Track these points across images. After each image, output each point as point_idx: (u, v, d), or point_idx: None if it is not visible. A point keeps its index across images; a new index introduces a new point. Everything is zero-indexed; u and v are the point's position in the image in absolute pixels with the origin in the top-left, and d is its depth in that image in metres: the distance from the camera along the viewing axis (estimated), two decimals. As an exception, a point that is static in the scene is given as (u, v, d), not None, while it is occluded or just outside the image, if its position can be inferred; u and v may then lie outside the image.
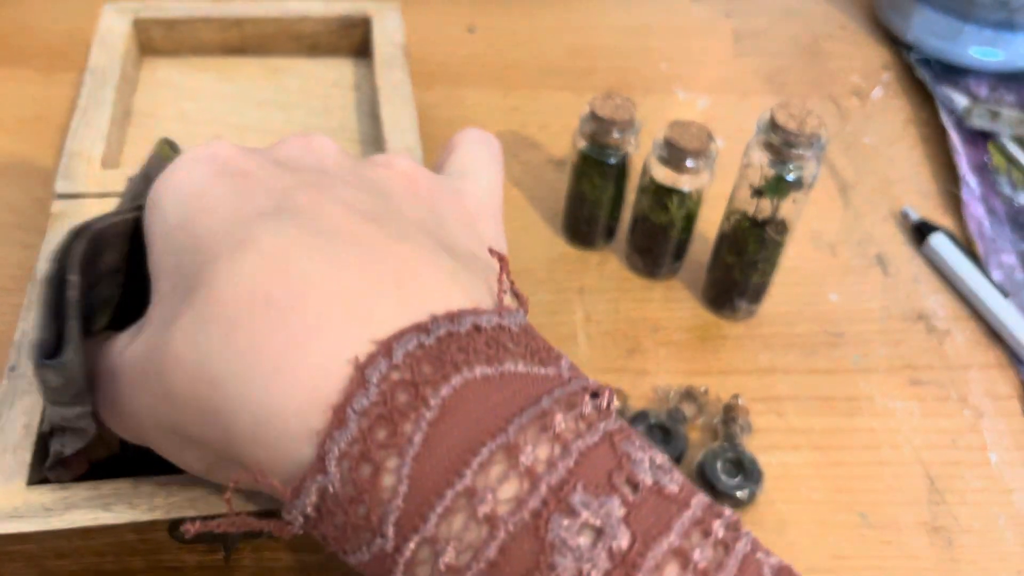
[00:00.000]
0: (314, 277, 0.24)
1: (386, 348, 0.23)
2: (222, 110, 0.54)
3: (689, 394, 0.44)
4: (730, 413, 0.43)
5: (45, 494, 0.30)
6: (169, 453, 0.28)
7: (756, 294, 0.49)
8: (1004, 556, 0.41)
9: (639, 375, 0.46)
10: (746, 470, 0.41)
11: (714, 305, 0.50)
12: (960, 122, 0.60)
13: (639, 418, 0.43)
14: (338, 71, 0.57)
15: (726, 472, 0.41)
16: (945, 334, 0.49)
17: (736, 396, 0.44)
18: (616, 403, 0.41)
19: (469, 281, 0.26)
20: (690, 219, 0.48)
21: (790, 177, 0.43)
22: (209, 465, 0.27)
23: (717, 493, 0.41)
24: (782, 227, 0.46)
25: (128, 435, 0.29)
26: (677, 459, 0.42)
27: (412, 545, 0.22)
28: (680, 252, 0.50)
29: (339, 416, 0.22)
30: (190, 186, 0.27)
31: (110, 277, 0.31)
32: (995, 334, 0.49)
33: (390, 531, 0.22)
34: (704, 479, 0.41)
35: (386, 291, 0.24)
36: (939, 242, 0.52)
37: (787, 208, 0.45)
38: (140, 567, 0.32)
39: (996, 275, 0.52)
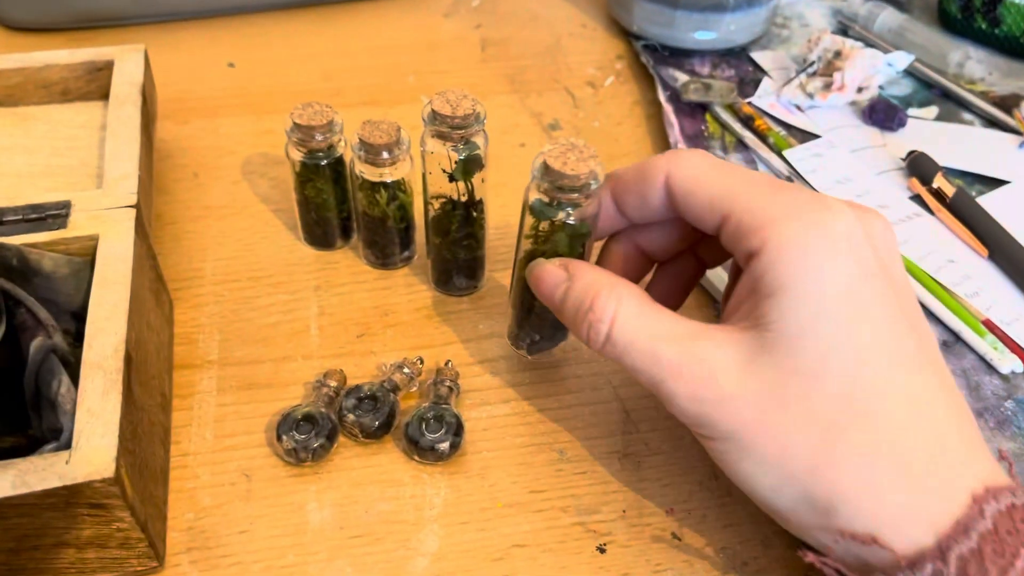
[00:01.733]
0: (954, 419, 0.34)
1: (993, 493, 0.32)
2: (-36, 160, 0.56)
3: (401, 366, 0.48)
4: (439, 376, 0.47)
5: None
6: (748, 479, 0.37)
7: (471, 270, 0.53)
8: (685, 470, 0.45)
9: (365, 356, 0.50)
10: (447, 424, 0.45)
11: (439, 285, 0.54)
12: (678, 97, 0.66)
13: (352, 392, 0.46)
14: (87, 114, 0.60)
15: (429, 429, 0.45)
16: (650, 285, 0.54)
17: (447, 361, 0.48)
18: (332, 383, 0.44)
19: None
20: (404, 209, 0.52)
21: (462, 157, 0.47)
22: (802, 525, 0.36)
23: (420, 447, 0.44)
24: (478, 205, 0.50)
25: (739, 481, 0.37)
26: (386, 424, 0.45)
27: None
28: (406, 241, 0.54)
29: (962, 527, 0.32)
30: (851, 281, 0.34)
31: None
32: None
33: None
34: (409, 438, 0.45)
35: (974, 439, 0.35)
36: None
37: (480, 187, 0.49)
38: None
39: (700, 228, 0.57)
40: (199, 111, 0.66)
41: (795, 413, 0.34)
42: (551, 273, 0.41)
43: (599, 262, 0.45)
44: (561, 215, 0.42)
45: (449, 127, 0.46)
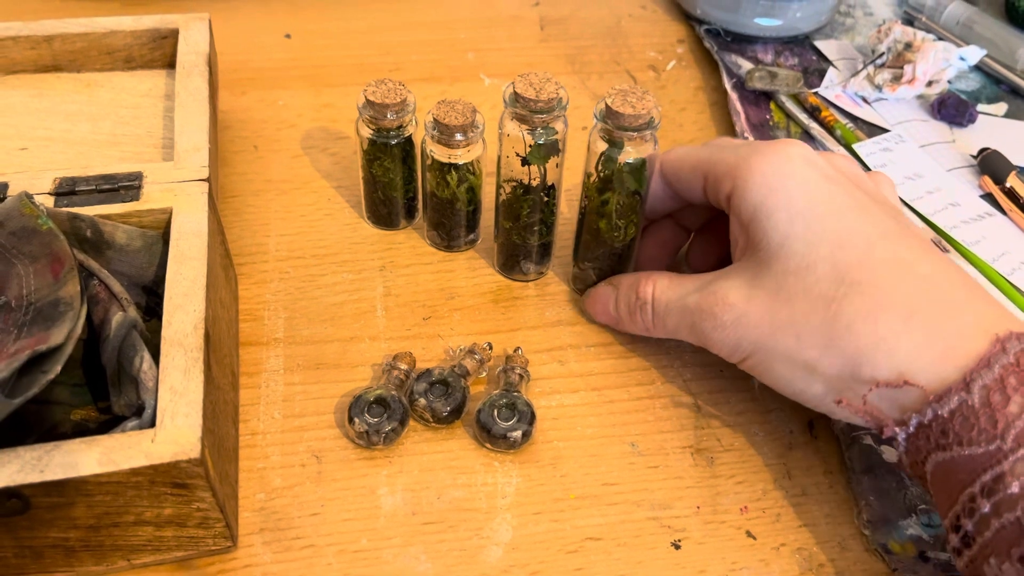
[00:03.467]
0: (947, 273, 0.38)
1: (1016, 336, 0.35)
2: (29, 124, 0.55)
3: (471, 351, 0.47)
4: (509, 363, 0.47)
5: None
6: (784, 380, 0.41)
7: (540, 256, 0.52)
8: (759, 468, 0.45)
9: (432, 339, 0.49)
10: (520, 412, 0.45)
11: (505, 270, 0.53)
12: (742, 85, 0.65)
13: (423, 376, 0.46)
14: (151, 82, 0.59)
15: (501, 417, 0.44)
16: (719, 277, 0.53)
17: (517, 348, 0.48)
18: (403, 366, 0.44)
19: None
20: (473, 191, 0.52)
21: (540, 141, 0.46)
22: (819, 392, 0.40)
23: (492, 435, 0.44)
24: (550, 191, 0.49)
25: (737, 355, 0.42)
26: (457, 409, 0.45)
27: (1022, 452, 0.33)
28: (472, 224, 0.54)
29: (985, 361, 0.35)
30: (812, 185, 0.40)
31: None
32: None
33: (1009, 436, 0.33)
34: (481, 425, 0.44)
35: (987, 298, 0.38)
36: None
37: (553, 172, 0.48)
38: None
39: (768, 220, 0.56)
40: (257, 82, 0.65)
41: (798, 305, 0.39)
42: (602, 292, 0.49)
43: (646, 236, 0.52)
44: (622, 156, 0.45)
45: (530, 111, 0.45)
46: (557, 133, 0.47)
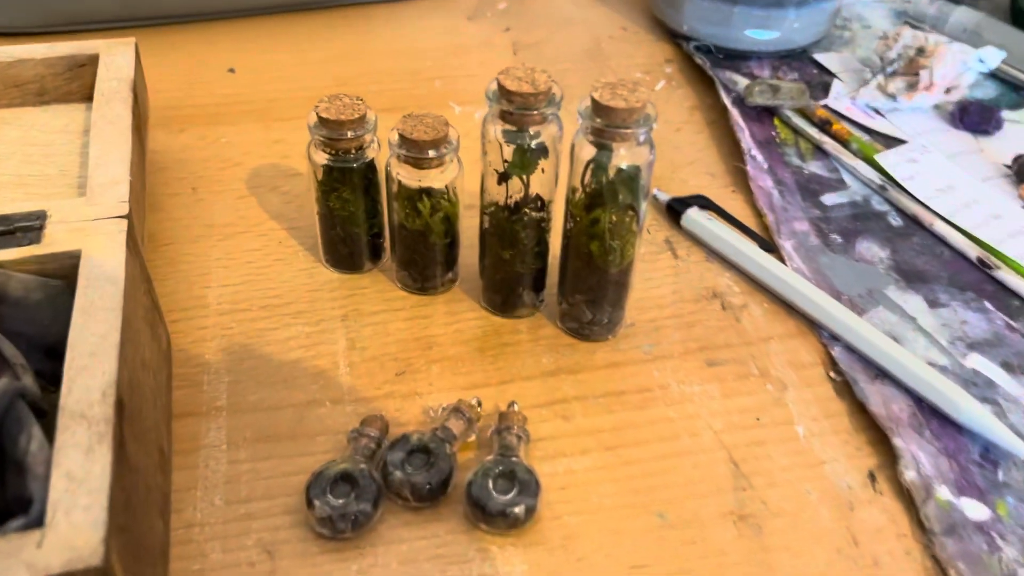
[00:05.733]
0: None
1: None
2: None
3: (457, 410, 0.39)
4: (504, 423, 0.38)
5: None
6: None
7: (539, 281, 0.44)
8: (819, 535, 0.36)
9: (408, 399, 0.41)
10: (521, 482, 0.36)
11: (497, 308, 0.45)
12: (742, 101, 0.58)
13: (399, 443, 0.37)
14: (67, 117, 0.51)
15: (498, 489, 0.36)
16: (741, 309, 0.46)
17: (512, 404, 0.39)
18: (372, 432, 0.35)
19: None
20: (450, 221, 0.44)
21: (534, 144, 0.39)
22: None
23: (489, 514, 0.35)
24: (540, 204, 0.41)
25: None
26: (443, 483, 0.36)
27: None
28: (450, 260, 0.46)
29: None
30: None
31: None
32: (789, 302, 0.46)
33: None
34: (473, 501, 0.35)
35: None
36: (695, 217, 0.49)
37: (540, 183, 0.41)
38: None
39: (788, 244, 0.49)
40: (197, 119, 0.57)
41: None
42: None
43: None
44: (615, 160, 0.38)
45: (520, 107, 0.38)
46: (543, 135, 0.39)
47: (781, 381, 0.42)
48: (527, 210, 0.41)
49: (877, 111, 0.59)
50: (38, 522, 0.28)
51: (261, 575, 0.34)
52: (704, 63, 0.62)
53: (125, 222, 0.38)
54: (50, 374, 0.36)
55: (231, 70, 0.62)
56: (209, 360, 0.42)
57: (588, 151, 0.38)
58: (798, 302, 0.45)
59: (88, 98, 0.51)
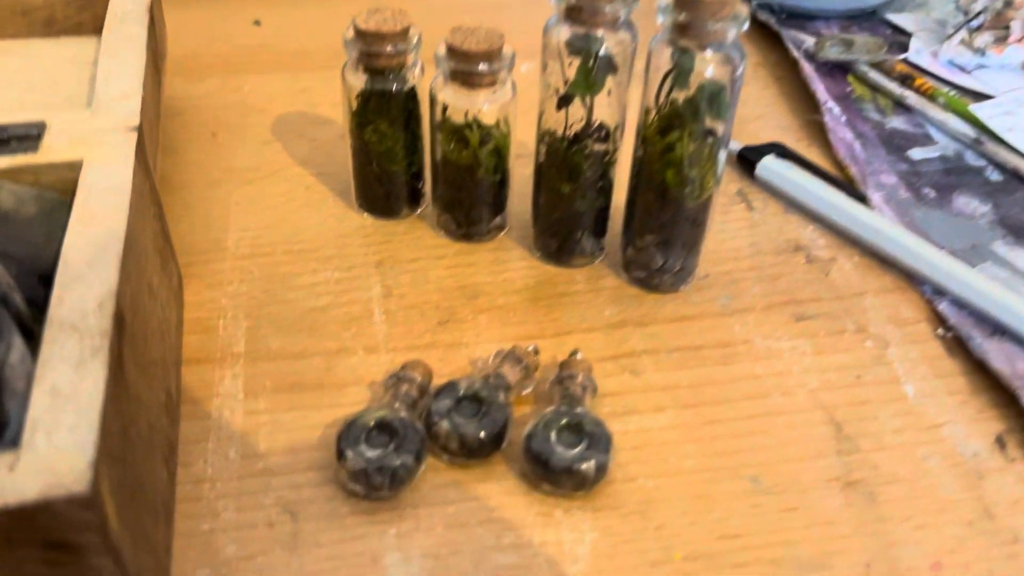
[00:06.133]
0: None
1: None
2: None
3: (513, 356, 0.33)
4: (566, 371, 0.33)
5: None
6: None
7: (600, 225, 0.39)
8: (943, 506, 0.30)
9: (453, 348, 0.36)
10: (589, 436, 0.30)
11: (552, 256, 0.39)
12: (812, 58, 0.53)
13: (445, 391, 0.32)
14: (77, 48, 0.46)
15: (564, 442, 0.30)
16: (829, 262, 0.40)
17: (575, 352, 0.34)
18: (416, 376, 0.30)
19: None
20: (501, 154, 0.39)
21: (602, 51, 0.34)
22: None
23: (553, 471, 0.30)
24: (604, 134, 0.36)
25: None
26: (497, 436, 0.31)
27: None
28: (499, 202, 0.40)
29: None
30: None
31: None
32: (886, 255, 0.40)
33: None
34: (534, 456, 0.30)
35: None
36: (772, 166, 0.44)
37: (606, 107, 0.35)
38: None
39: (876, 196, 0.43)
40: (218, 68, 0.53)
41: None
42: None
43: None
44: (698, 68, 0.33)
45: (591, 4, 0.33)
46: (613, 41, 0.34)
47: (881, 338, 0.37)
48: (589, 141, 0.36)
49: (962, 68, 0.53)
50: (13, 443, 0.22)
51: (281, 538, 0.29)
52: (769, 20, 0.57)
53: (135, 134, 0.33)
54: (43, 302, 0.31)
55: (256, 22, 0.58)
56: (225, 305, 0.37)
57: (666, 61, 0.33)
58: (899, 255, 0.39)
59: (100, 30, 0.47)
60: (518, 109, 0.38)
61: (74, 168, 0.32)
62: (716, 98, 0.34)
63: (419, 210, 0.43)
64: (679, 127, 0.34)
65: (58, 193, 0.32)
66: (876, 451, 0.32)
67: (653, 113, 0.35)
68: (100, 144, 0.32)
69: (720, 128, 0.35)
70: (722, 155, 0.35)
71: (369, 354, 0.35)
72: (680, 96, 0.34)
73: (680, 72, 0.33)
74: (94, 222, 0.29)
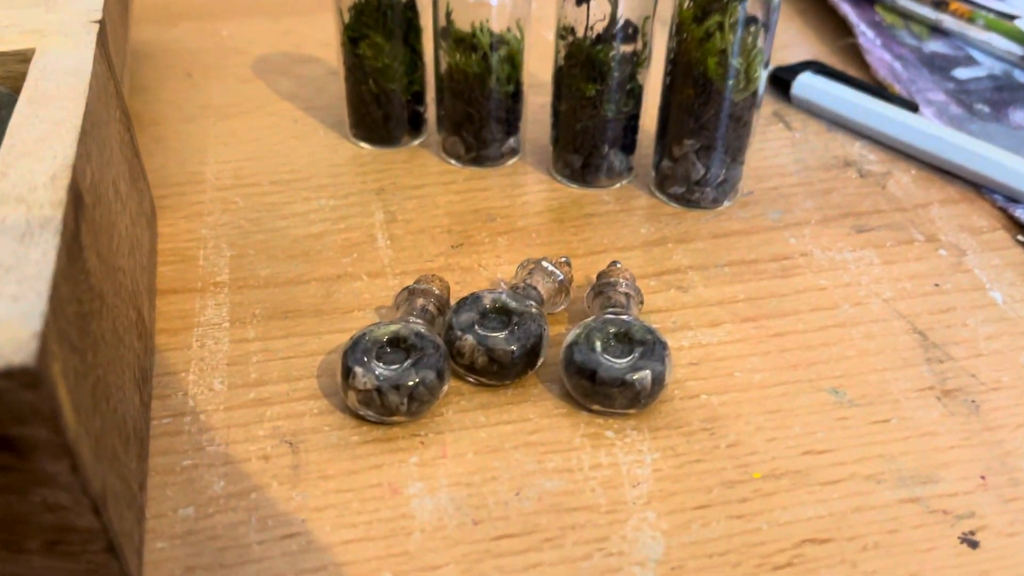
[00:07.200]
0: None
1: None
2: None
3: (542, 267, 0.29)
4: (603, 279, 0.28)
5: None
6: None
7: (630, 139, 0.34)
8: (1060, 411, 0.26)
9: (470, 271, 0.31)
10: (641, 343, 0.26)
11: (579, 176, 0.35)
12: (837, -14, 0.50)
13: (467, 303, 0.27)
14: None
15: (612, 352, 0.26)
16: (885, 176, 0.36)
17: (614, 262, 0.29)
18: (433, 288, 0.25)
19: None
20: (514, 64, 0.34)
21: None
22: None
23: (602, 384, 0.25)
24: (632, 31, 0.32)
25: None
26: (531, 351, 0.26)
27: None
28: (512, 119, 0.36)
29: None
30: None
31: None
32: (948, 165, 0.36)
33: None
34: (578, 368, 0.25)
35: None
36: (810, 83, 0.40)
37: (630, 3, 0.31)
38: None
39: (927, 112, 0.39)
40: (192, 14, 0.48)
41: None
42: None
43: None
44: None
45: None
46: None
47: (956, 247, 0.32)
48: (615, 42, 0.32)
49: (993, -3, 0.50)
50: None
51: (279, 472, 0.24)
52: (783, -45, 0.54)
53: (96, 27, 0.29)
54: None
55: (233, -25, 0.53)
56: (205, 235, 0.32)
57: None
58: (965, 162, 0.35)
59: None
60: (531, 14, 0.34)
61: (23, 58, 0.27)
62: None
63: (421, 138, 0.38)
64: (719, 11, 0.30)
65: (7, 88, 0.27)
66: (971, 358, 0.28)
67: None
68: (53, 33, 0.28)
69: (763, 13, 0.30)
70: (767, 43, 0.31)
71: (374, 279, 0.30)
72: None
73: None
74: (47, 102, 0.24)
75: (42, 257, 0.19)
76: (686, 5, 0.31)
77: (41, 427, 0.17)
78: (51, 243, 0.19)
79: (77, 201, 0.21)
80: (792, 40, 0.46)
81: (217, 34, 0.46)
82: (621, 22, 0.32)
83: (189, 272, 0.31)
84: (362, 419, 0.25)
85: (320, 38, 0.45)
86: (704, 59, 0.31)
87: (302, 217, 0.33)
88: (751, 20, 0.30)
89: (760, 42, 0.31)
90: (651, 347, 0.26)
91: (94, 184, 0.23)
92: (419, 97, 0.37)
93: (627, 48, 0.33)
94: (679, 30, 0.31)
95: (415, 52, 0.36)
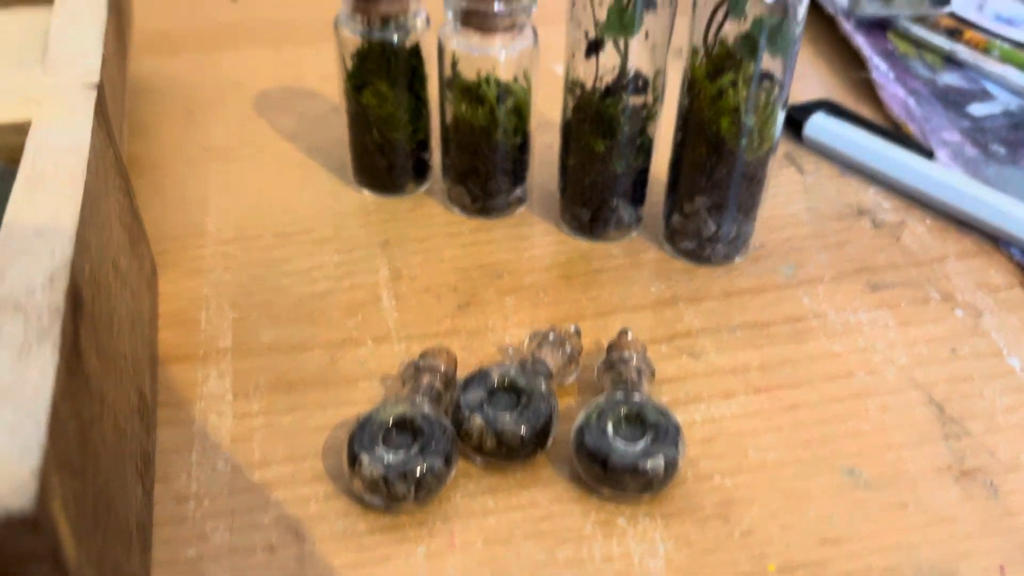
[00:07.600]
0: None
1: None
2: None
3: (552, 338, 0.28)
4: (614, 353, 0.28)
5: None
6: None
7: (638, 191, 0.34)
8: (1081, 494, 0.25)
9: (477, 335, 0.30)
10: (653, 427, 0.25)
11: (587, 228, 0.34)
12: (848, 15, 0.49)
13: (474, 381, 0.26)
14: (29, 19, 0.41)
15: (623, 435, 0.25)
16: (899, 226, 0.35)
17: (624, 331, 0.29)
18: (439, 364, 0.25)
19: None
20: (521, 114, 0.34)
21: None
22: None
23: (613, 470, 0.24)
24: (642, 84, 0.31)
25: None
26: (542, 432, 0.25)
27: None
28: (519, 170, 0.35)
29: None
30: None
31: None
32: (963, 215, 0.35)
33: None
34: (589, 453, 0.25)
35: None
36: (823, 124, 0.39)
37: (642, 52, 0.31)
38: None
39: (942, 154, 0.39)
40: (192, 44, 0.47)
41: None
42: None
43: None
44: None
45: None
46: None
47: (973, 306, 0.32)
48: (624, 93, 0.31)
49: (1008, 21, 0.49)
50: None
51: (285, 564, 0.23)
52: (794, -22, 0.53)
53: (94, 92, 0.28)
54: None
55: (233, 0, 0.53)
56: (207, 294, 0.32)
57: None
58: (980, 213, 0.34)
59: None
60: (539, 64, 0.33)
61: (19, 130, 0.27)
62: (778, 31, 0.29)
63: (426, 185, 0.37)
64: (733, 68, 0.29)
65: (2, 162, 0.27)
66: (989, 434, 0.27)
67: (702, 53, 0.30)
68: (52, 103, 0.27)
69: (779, 70, 0.30)
70: (782, 102, 0.30)
71: (380, 344, 0.30)
72: (733, 32, 0.29)
73: (734, 1, 0.28)
74: (44, 186, 0.24)
75: (40, 378, 0.18)
76: (699, 60, 0.30)
77: (41, 566, 0.17)
78: (50, 360, 0.18)
79: (75, 303, 0.21)
80: (804, 71, 0.46)
81: (218, 66, 0.46)
82: (631, 74, 0.31)
83: (191, 337, 0.30)
84: (369, 505, 0.25)
85: (321, 71, 0.45)
86: (717, 118, 0.30)
87: (305, 275, 0.33)
88: (765, 76, 0.30)
89: (774, 100, 0.30)
90: (664, 431, 0.25)
91: (93, 274, 0.23)
92: (424, 145, 0.36)
93: (637, 100, 0.32)
94: (691, 86, 0.31)
95: (420, 99, 0.35)
